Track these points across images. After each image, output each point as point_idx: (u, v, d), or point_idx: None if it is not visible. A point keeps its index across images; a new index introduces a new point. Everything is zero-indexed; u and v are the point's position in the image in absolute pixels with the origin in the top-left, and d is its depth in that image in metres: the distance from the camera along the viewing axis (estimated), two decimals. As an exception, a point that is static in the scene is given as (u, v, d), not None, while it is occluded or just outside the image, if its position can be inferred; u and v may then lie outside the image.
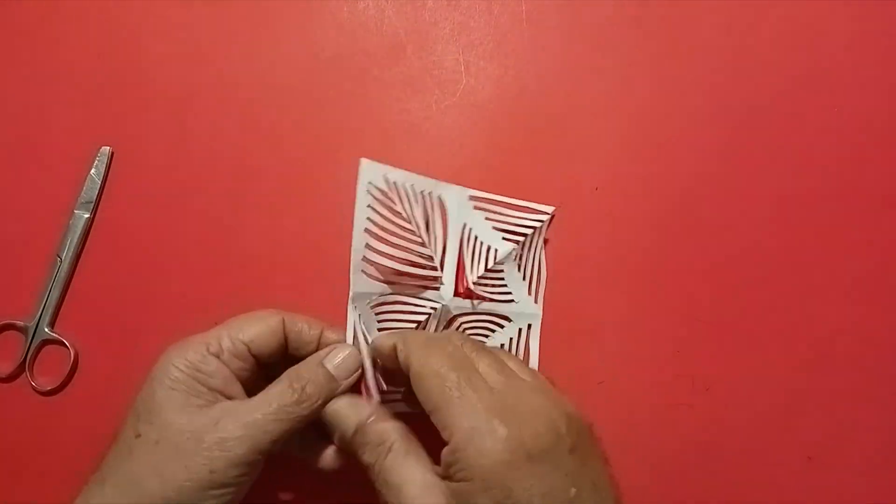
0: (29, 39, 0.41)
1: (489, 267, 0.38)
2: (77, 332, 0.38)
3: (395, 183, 0.36)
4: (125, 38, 0.41)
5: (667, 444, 0.38)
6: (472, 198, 0.38)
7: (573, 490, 0.26)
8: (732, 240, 0.39)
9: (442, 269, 0.37)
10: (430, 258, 0.37)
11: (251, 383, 0.32)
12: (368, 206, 0.35)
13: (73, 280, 0.39)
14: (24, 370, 0.38)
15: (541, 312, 0.39)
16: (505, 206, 0.39)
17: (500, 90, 0.41)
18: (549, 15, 0.41)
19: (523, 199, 0.39)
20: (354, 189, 0.39)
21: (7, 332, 0.38)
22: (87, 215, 0.39)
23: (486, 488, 0.25)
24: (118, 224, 0.40)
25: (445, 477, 0.27)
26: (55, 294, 0.38)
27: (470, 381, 0.28)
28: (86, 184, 0.39)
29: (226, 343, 0.31)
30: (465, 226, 0.38)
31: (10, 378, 0.38)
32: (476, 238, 0.38)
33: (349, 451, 0.31)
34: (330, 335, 0.33)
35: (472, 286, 0.37)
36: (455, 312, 0.37)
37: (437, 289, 0.37)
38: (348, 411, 0.31)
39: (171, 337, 0.36)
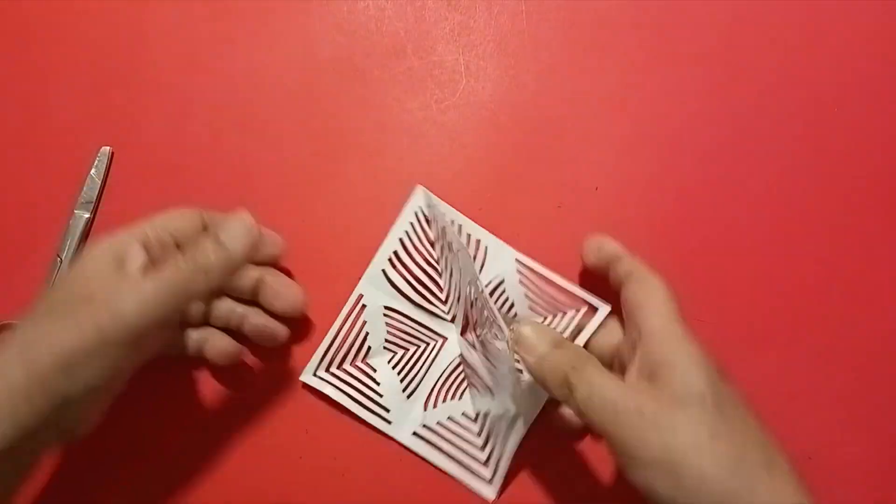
0: (29, 39, 0.41)
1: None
2: (77, 332, 0.38)
3: (442, 214, 0.37)
4: (125, 38, 0.41)
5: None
6: (519, 262, 0.37)
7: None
8: (732, 239, 0.39)
9: (449, 309, 0.38)
10: (443, 296, 0.37)
11: None
12: (410, 223, 0.37)
13: (73, 280, 0.39)
14: (25, 370, 0.38)
15: None
16: (551, 286, 0.37)
17: (500, 90, 0.41)
18: (549, 15, 0.41)
19: (574, 284, 0.36)
20: (355, 188, 0.39)
21: (7, 333, 0.38)
22: (87, 215, 0.39)
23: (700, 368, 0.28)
24: (118, 224, 0.39)
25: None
26: (55, 294, 0.38)
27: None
28: (86, 184, 0.39)
29: (152, 232, 0.32)
30: (501, 281, 0.37)
31: (11, 378, 0.38)
32: (507, 298, 0.37)
33: (540, 375, 0.31)
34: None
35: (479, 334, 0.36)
36: (463, 353, 0.37)
37: (444, 320, 0.38)
38: (538, 335, 0.31)
39: (171, 337, 0.36)
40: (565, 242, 0.39)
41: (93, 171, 0.40)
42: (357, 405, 0.36)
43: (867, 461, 0.37)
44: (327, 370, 0.37)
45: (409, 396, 0.37)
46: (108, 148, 0.40)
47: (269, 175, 0.40)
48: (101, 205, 0.40)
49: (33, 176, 0.40)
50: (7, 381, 0.28)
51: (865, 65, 0.41)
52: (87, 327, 0.28)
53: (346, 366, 0.37)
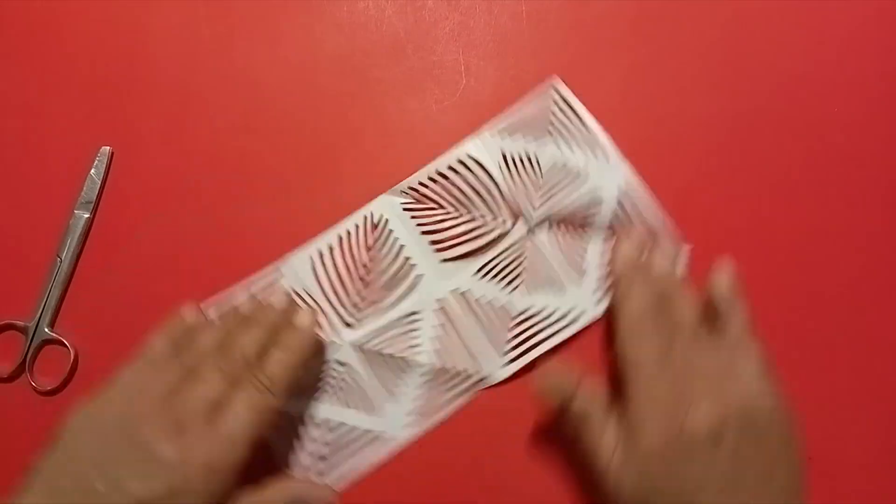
0: (29, 39, 0.41)
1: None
2: (77, 332, 0.38)
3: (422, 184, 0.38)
4: (125, 37, 0.41)
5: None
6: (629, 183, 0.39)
7: (730, 472, 0.29)
8: (732, 239, 0.39)
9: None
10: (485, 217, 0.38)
11: None
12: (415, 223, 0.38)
13: (73, 280, 0.39)
14: (24, 370, 0.38)
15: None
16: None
17: (500, 90, 0.40)
18: (549, 15, 0.41)
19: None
20: (355, 188, 0.39)
21: (7, 332, 0.38)
22: (87, 215, 0.39)
23: (637, 446, 0.31)
24: (118, 224, 0.40)
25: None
26: (55, 294, 0.38)
27: (663, 358, 0.32)
28: (86, 184, 0.39)
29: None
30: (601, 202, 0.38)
31: (10, 378, 0.38)
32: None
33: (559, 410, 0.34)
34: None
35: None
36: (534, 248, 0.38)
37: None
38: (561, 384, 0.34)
39: (171, 337, 0.36)
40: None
41: (93, 171, 0.40)
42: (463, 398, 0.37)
43: (867, 461, 0.37)
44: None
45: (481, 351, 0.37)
46: (108, 148, 0.40)
47: (269, 175, 0.40)
48: (101, 205, 0.40)
49: (33, 176, 0.40)
50: None
51: (865, 65, 0.41)
52: None
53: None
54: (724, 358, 0.33)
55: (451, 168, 0.38)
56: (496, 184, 0.38)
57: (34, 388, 0.38)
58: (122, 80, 0.41)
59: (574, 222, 0.39)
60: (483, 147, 0.38)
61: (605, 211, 0.38)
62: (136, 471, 0.29)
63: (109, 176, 0.40)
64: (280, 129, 0.40)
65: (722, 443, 0.29)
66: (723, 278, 0.35)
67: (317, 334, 0.35)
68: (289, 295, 0.37)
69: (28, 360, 0.38)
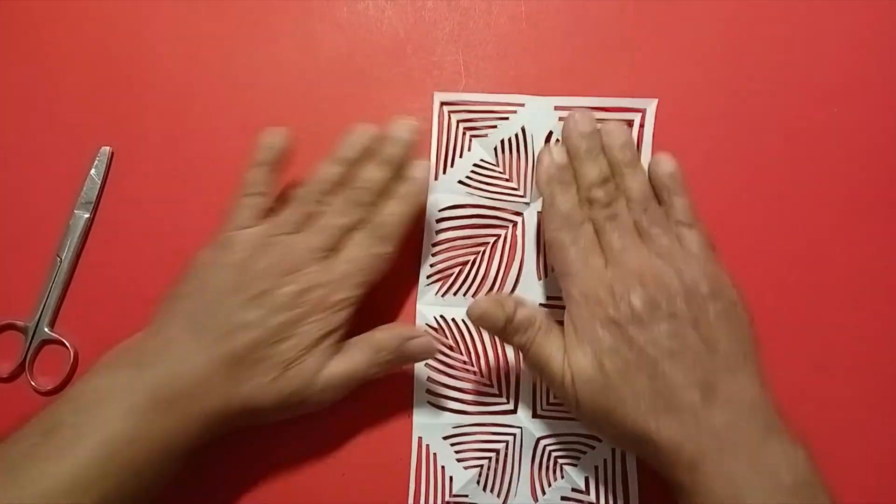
0: (29, 39, 0.41)
1: None
2: (77, 332, 0.38)
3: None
4: (125, 37, 0.41)
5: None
6: (558, 108, 0.39)
7: (674, 344, 0.30)
8: (732, 241, 0.39)
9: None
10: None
11: None
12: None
13: (73, 280, 0.39)
14: (24, 370, 0.38)
15: None
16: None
17: (500, 91, 0.41)
18: (549, 15, 0.41)
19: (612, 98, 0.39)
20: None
21: (7, 332, 0.38)
22: (87, 215, 0.39)
23: (581, 341, 0.31)
24: (118, 224, 0.40)
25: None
26: (55, 294, 0.38)
27: (587, 257, 0.33)
28: (86, 184, 0.39)
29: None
30: (550, 134, 0.39)
31: (10, 378, 0.38)
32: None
33: (502, 339, 0.35)
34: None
35: None
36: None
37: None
38: (495, 309, 0.32)
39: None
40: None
41: (93, 171, 0.40)
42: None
43: (867, 461, 0.37)
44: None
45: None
46: (108, 148, 0.40)
47: (269, 175, 0.40)
48: (100, 205, 0.40)
49: (33, 176, 0.40)
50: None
51: (865, 65, 0.41)
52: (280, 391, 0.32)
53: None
54: (664, 239, 0.33)
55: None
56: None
57: (34, 388, 0.38)
58: (122, 80, 0.41)
59: None
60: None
61: None
62: (256, 305, 0.32)
63: (109, 176, 0.40)
64: (280, 129, 0.40)
65: (657, 320, 0.31)
66: (663, 162, 0.35)
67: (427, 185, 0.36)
68: (411, 128, 0.35)
69: (28, 360, 0.38)
